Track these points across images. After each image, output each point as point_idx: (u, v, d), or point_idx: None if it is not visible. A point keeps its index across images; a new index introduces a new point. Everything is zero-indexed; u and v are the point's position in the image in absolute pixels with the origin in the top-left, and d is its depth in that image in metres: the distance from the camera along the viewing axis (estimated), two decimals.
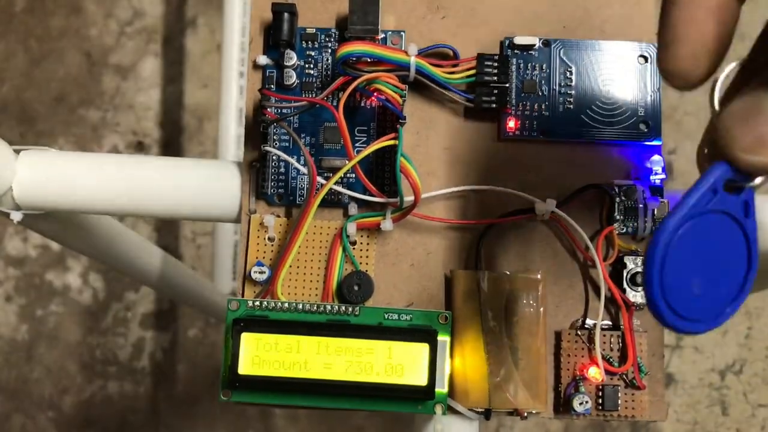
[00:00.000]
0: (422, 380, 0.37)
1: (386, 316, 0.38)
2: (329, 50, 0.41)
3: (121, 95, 1.23)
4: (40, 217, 0.43)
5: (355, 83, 0.38)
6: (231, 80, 0.90)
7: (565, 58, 0.41)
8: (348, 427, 1.12)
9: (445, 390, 0.38)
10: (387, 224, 0.39)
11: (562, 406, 0.40)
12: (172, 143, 1.22)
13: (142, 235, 1.11)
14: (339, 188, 0.40)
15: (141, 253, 0.59)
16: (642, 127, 0.41)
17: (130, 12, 1.25)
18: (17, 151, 0.41)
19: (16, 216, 0.41)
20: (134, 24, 1.25)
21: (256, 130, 0.41)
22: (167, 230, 1.19)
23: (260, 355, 0.37)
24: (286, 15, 0.40)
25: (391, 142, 0.38)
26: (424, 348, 0.37)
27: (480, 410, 0.39)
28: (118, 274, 1.09)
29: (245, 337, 0.37)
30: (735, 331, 1.12)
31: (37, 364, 1.16)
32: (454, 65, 0.40)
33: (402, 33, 0.41)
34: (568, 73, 0.41)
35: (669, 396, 1.11)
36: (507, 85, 0.40)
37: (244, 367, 0.37)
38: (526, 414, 0.39)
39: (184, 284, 0.69)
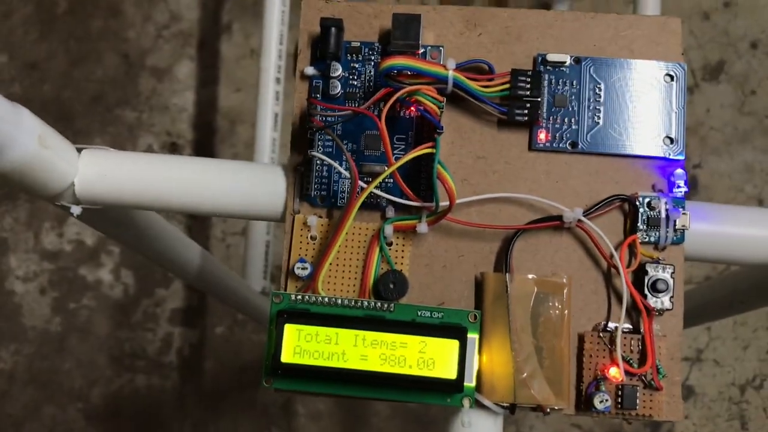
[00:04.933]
0: (452, 374, 0.40)
1: (419, 313, 0.41)
2: (372, 63, 0.44)
3: (157, 96, 1.26)
4: (96, 212, 0.46)
5: (397, 95, 0.41)
6: (268, 86, 0.93)
7: (594, 75, 0.44)
8: (369, 428, 1.14)
9: (473, 384, 0.40)
10: (422, 227, 0.42)
11: (584, 403, 0.42)
12: (204, 145, 1.25)
13: None
14: (378, 192, 0.42)
15: (181, 248, 0.62)
16: (666, 142, 0.43)
17: (167, 15, 1.28)
18: (79, 150, 0.44)
19: (76, 210, 0.44)
20: (171, 27, 1.28)
21: (302, 136, 0.44)
22: (198, 229, 1.21)
23: (301, 344, 0.40)
24: (333, 29, 0.43)
25: (429, 151, 0.41)
26: (454, 344, 0.40)
27: (505, 405, 0.41)
28: (158, 266, 1.11)
29: (288, 327, 0.40)
30: (756, 346, 1.13)
31: (69, 356, 1.19)
32: (490, 79, 0.43)
33: (441, 48, 0.44)
34: (597, 90, 0.44)
35: (689, 408, 1.12)
36: (539, 99, 0.42)
37: (286, 356, 0.40)
38: (548, 410, 0.41)
39: (219, 279, 0.72)
